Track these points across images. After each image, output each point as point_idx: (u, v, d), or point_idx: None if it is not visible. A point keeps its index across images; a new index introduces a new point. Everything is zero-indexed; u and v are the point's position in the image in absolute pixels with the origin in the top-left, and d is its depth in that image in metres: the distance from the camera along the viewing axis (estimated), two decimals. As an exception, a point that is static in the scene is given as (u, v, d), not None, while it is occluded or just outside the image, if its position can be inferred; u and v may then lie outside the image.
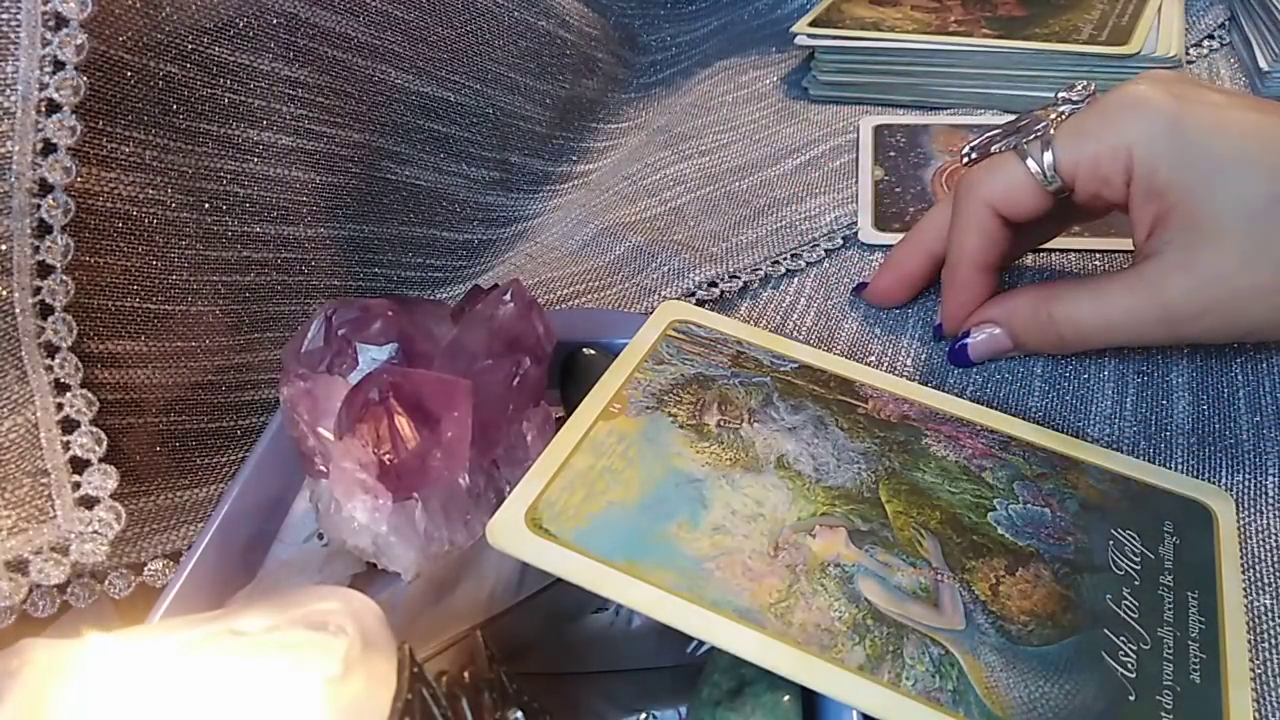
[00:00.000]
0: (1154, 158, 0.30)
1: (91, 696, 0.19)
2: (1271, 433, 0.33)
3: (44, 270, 0.30)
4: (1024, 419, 0.33)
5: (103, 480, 0.30)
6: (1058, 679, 0.25)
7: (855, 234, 0.44)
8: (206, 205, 0.35)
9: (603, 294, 0.42)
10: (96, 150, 0.31)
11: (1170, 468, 0.32)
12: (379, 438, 0.27)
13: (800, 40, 0.53)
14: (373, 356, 0.30)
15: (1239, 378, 0.35)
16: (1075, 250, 0.41)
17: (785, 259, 0.43)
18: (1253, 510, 0.31)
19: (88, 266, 0.31)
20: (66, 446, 0.30)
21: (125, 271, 0.33)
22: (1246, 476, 0.32)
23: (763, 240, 0.43)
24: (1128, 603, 0.27)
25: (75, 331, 0.31)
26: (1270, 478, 0.32)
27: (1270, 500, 0.31)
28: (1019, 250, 0.38)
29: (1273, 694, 0.27)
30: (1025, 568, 0.27)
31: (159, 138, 0.33)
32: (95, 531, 0.30)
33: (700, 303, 0.40)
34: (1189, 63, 0.51)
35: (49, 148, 0.30)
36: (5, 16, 0.29)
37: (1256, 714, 0.26)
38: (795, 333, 0.39)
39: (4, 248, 0.29)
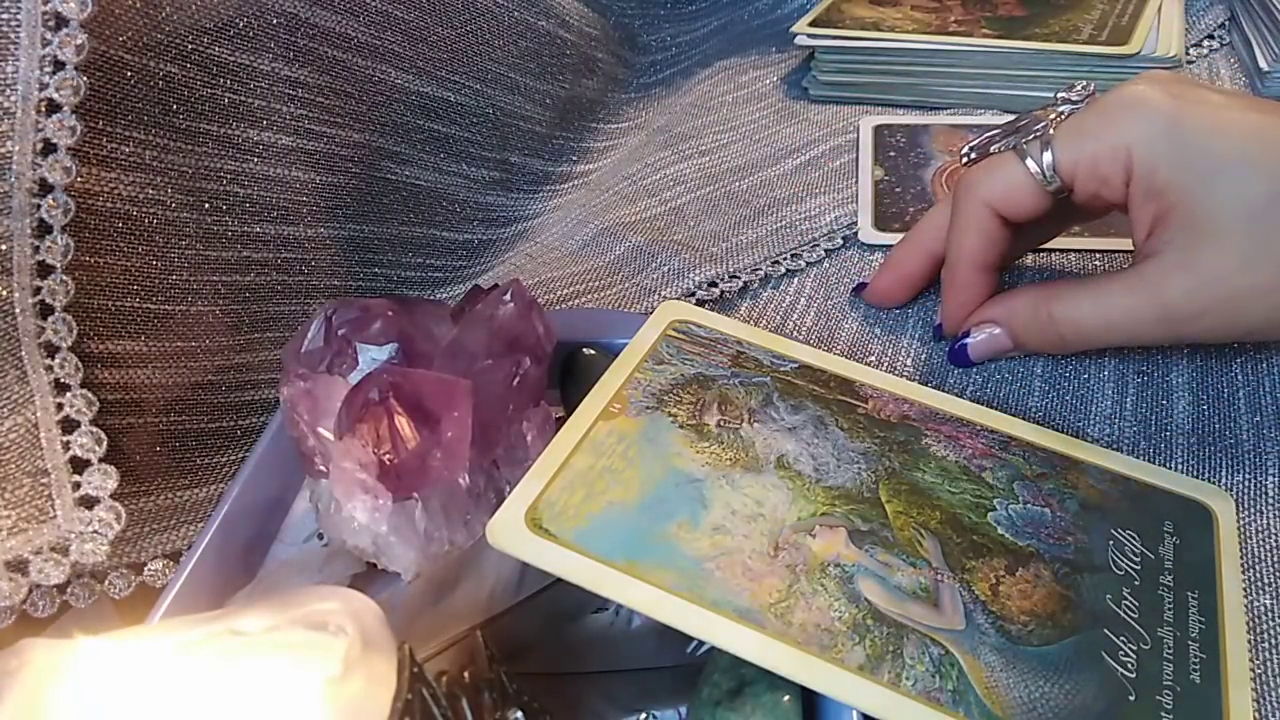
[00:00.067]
0: (1153, 158, 0.30)
1: (91, 697, 0.19)
2: (1271, 433, 0.33)
3: (44, 270, 0.30)
4: (1024, 419, 0.33)
5: (103, 480, 0.30)
6: (1058, 679, 0.25)
7: (855, 234, 0.44)
8: (206, 205, 0.35)
9: (603, 294, 0.42)
10: (96, 150, 0.31)
11: (1170, 468, 0.32)
12: (379, 438, 0.27)
13: (800, 40, 0.53)
14: (373, 356, 0.30)
15: (1239, 378, 0.35)
16: (1075, 250, 0.41)
17: (785, 259, 0.43)
18: (1253, 510, 0.31)
19: (88, 266, 0.31)
20: (66, 446, 0.30)
21: (125, 271, 0.33)
22: (1246, 476, 0.32)
23: (763, 240, 0.43)
24: (1128, 603, 0.27)
25: (75, 331, 0.31)
26: (1270, 478, 0.32)
27: (1270, 500, 0.31)
28: (1019, 250, 0.38)
29: (1273, 694, 0.27)
30: (1025, 568, 0.27)
31: (159, 138, 0.33)
32: (95, 531, 0.30)
33: (700, 303, 0.40)
34: (1189, 63, 0.51)
35: (49, 148, 0.30)
36: (5, 16, 0.29)
37: (1256, 714, 0.26)
38: (795, 333, 0.39)
39: (4, 248, 0.29)
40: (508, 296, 0.31)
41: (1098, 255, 0.41)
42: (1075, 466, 0.31)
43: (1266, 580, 0.29)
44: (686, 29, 0.67)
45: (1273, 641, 0.28)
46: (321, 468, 0.29)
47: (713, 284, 0.41)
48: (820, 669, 0.24)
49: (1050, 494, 0.30)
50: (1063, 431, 0.33)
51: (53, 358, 0.30)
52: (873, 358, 0.37)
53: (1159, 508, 0.30)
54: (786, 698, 0.25)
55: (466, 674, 0.25)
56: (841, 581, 0.26)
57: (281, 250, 0.38)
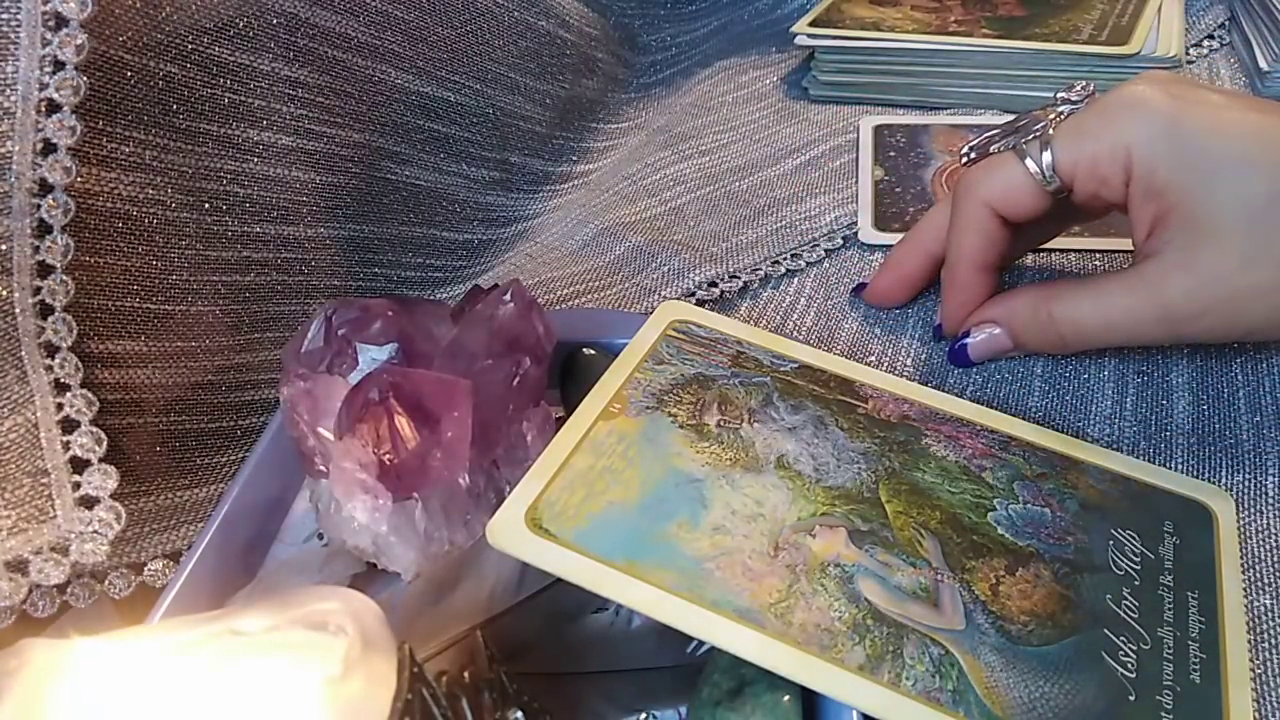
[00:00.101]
0: (1153, 158, 0.30)
1: (91, 697, 0.19)
2: (1271, 433, 0.33)
3: (44, 270, 0.30)
4: (1024, 419, 0.33)
5: (103, 480, 0.30)
6: (1058, 679, 0.25)
7: (855, 234, 0.44)
8: (206, 205, 0.35)
9: (603, 294, 0.42)
10: (96, 150, 0.31)
11: (1170, 468, 0.32)
12: (379, 438, 0.27)
13: (800, 40, 0.53)
14: (373, 356, 0.30)
15: (1239, 378, 0.35)
16: (1075, 250, 0.41)
17: (785, 259, 0.43)
18: (1253, 510, 0.31)
19: (88, 266, 0.31)
20: (66, 446, 0.30)
21: (125, 271, 0.33)
22: (1246, 476, 0.32)
23: (763, 240, 0.43)
24: (1128, 603, 0.27)
25: (75, 331, 0.31)
26: (1270, 478, 0.32)
27: (1270, 500, 0.31)
28: (1019, 250, 0.38)
29: (1273, 694, 0.27)
30: (1025, 568, 0.27)
31: (159, 138, 0.33)
32: (95, 531, 0.30)
33: (700, 303, 0.40)
34: (1189, 63, 0.51)
35: (49, 148, 0.30)
36: (5, 16, 0.29)
37: (1256, 714, 0.26)
38: (795, 333, 0.39)
39: (4, 248, 0.29)
40: (508, 296, 0.31)
41: (1098, 255, 0.41)
42: (1075, 466, 0.31)
43: (1266, 580, 0.29)
44: (686, 29, 0.67)
45: (1273, 641, 0.28)
46: (321, 468, 0.29)
47: (713, 284, 0.41)
48: (820, 669, 0.24)
49: (1050, 494, 0.30)
50: (1063, 431, 0.33)
51: (53, 358, 0.30)
52: (873, 358, 0.37)
53: (1159, 508, 0.30)
54: (786, 698, 0.25)
55: (466, 674, 0.25)
56: (841, 581, 0.26)
57: (281, 250, 0.38)
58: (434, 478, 0.28)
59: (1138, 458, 0.32)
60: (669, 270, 0.42)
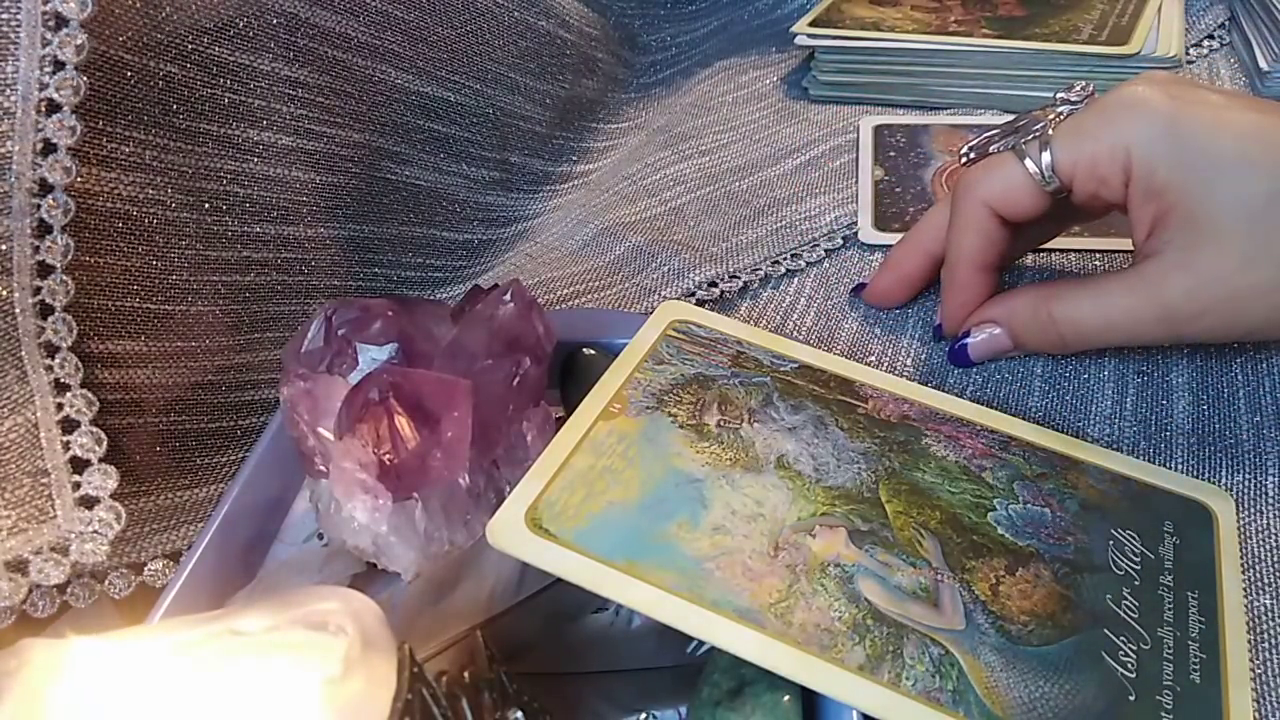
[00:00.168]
0: (1152, 158, 0.30)
1: (91, 697, 0.19)
2: (1271, 433, 0.33)
3: (44, 270, 0.30)
4: (1024, 419, 0.33)
5: (103, 480, 0.30)
6: (1058, 679, 0.25)
7: (855, 234, 0.44)
8: (206, 205, 0.35)
9: (603, 294, 0.42)
10: (96, 150, 0.31)
11: (1170, 468, 0.32)
12: (379, 438, 0.27)
13: (800, 40, 0.53)
14: (373, 356, 0.30)
15: (1239, 378, 0.35)
16: (1075, 250, 0.41)
17: (785, 259, 0.43)
18: (1253, 510, 0.31)
19: (88, 266, 0.31)
20: (66, 446, 0.30)
21: (125, 271, 0.33)
22: (1246, 476, 0.32)
23: (763, 240, 0.43)
24: (1128, 603, 0.27)
25: (75, 331, 0.31)
26: (1270, 478, 0.32)
27: (1270, 500, 0.31)
28: (1019, 250, 0.38)
29: (1273, 694, 0.27)
30: (1025, 568, 0.27)
31: (159, 138, 0.33)
32: (95, 531, 0.30)
33: (700, 303, 0.40)
34: (1189, 63, 0.51)
35: (49, 148, 0.30)
36: (5, 16, 0.29)
37: (1256, 714, 0.26)
38: (795, 333, 0.39)
39: (4, 248, 0.29)
40: (508, 296, 0.31)
41: (1098, 255, 0.41)
42: (1075, 466, 0.31)
43: (1266, 580, 0.29)
44: (686, 29, 0.67)
45: (1273, 641, 0.28)
46: (321, 468, 0.29)
47: (713, 284, 0.41)
48: (820, 669, 0.24)
49: (1050, 494, 0.30)
50: (1063, 431, 0.33)
51: (53, 358, 0.30)
52: (873, 358, 0.37)
53: (1159, 508, 0.30)
54: (786, 698, 0.25)
55: (466, 674, 0.25)
56: (841, 581, 0.26)
57: (281, 250, 0.38)
58: (434, 478, 0.28)
59: (1138, 458, 0.32)
60: (669, 270, 0.42)
